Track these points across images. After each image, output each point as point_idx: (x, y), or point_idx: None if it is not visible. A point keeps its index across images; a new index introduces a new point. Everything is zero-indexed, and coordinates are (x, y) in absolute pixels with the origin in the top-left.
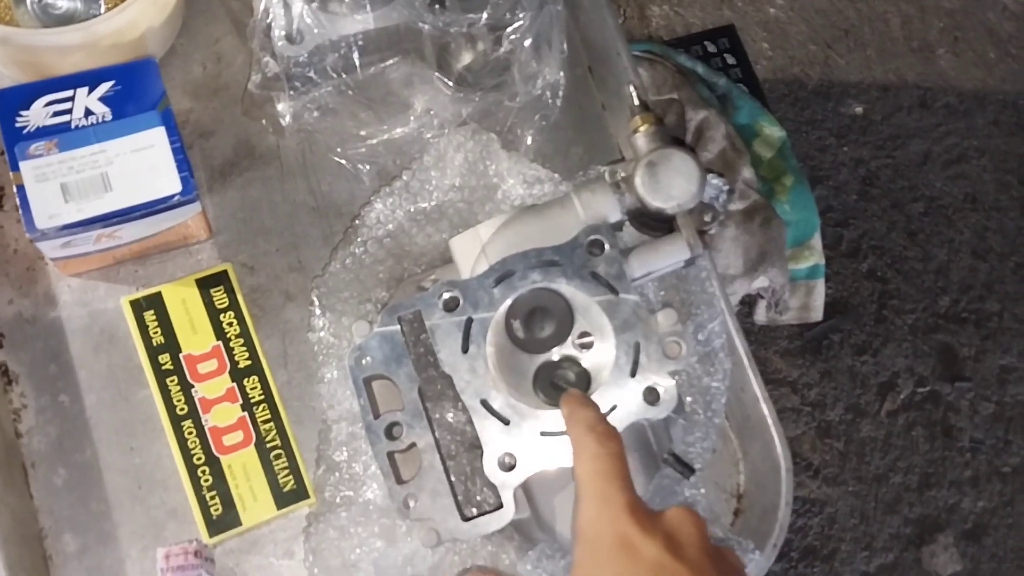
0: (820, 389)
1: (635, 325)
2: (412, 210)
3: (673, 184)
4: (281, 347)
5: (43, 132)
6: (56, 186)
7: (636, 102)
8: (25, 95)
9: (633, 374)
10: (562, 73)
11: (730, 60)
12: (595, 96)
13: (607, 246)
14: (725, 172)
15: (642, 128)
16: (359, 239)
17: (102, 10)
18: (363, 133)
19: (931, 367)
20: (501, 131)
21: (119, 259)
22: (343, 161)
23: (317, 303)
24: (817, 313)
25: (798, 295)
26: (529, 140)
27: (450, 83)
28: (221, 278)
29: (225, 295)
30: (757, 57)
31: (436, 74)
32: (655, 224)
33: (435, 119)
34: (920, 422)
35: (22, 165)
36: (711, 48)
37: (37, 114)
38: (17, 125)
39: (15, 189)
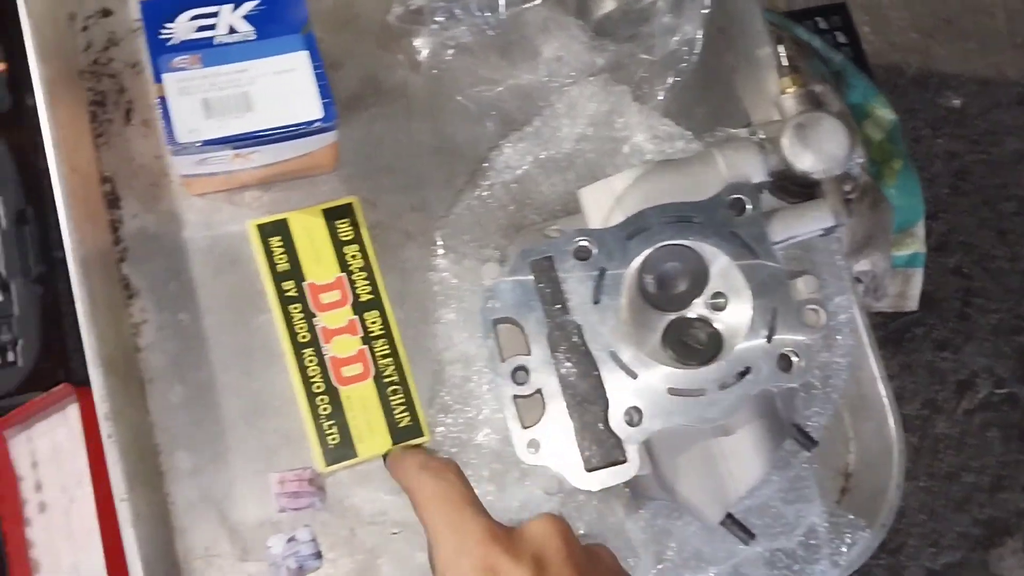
0: (899, 382)
1: (774, 290)
2: (542, 157)
3: (822, 148)
4: (399, 285)
5: (187, 46)
6: (198, 101)
7: (785, 63)
8: (171, 7)
9: (769, 339)
10: (701, 30)
11: (841, 39)
12: (724, 56)
13: (749, 206)
14: None
15: (790, 90)
16: (486, 182)
17: None
18: (492, 76)
19: (1011, 369)
20: (631, 84)
21: (244, 183)
22: (469, 104)
23: (440, 243)
24: (913, 302)
25: (896, 282)
26: (660, 96)
27: (587, 30)
28: (346, 210)
29: (350, 228)
30: (858, 33)
31: (575, 20)
32: (794, 189)
33: (565, 67)
34: (996, 423)
35: (165, 77)
36: (822, 24)
37: (182, 27)
38: (161, 37)
39: (157, 100)
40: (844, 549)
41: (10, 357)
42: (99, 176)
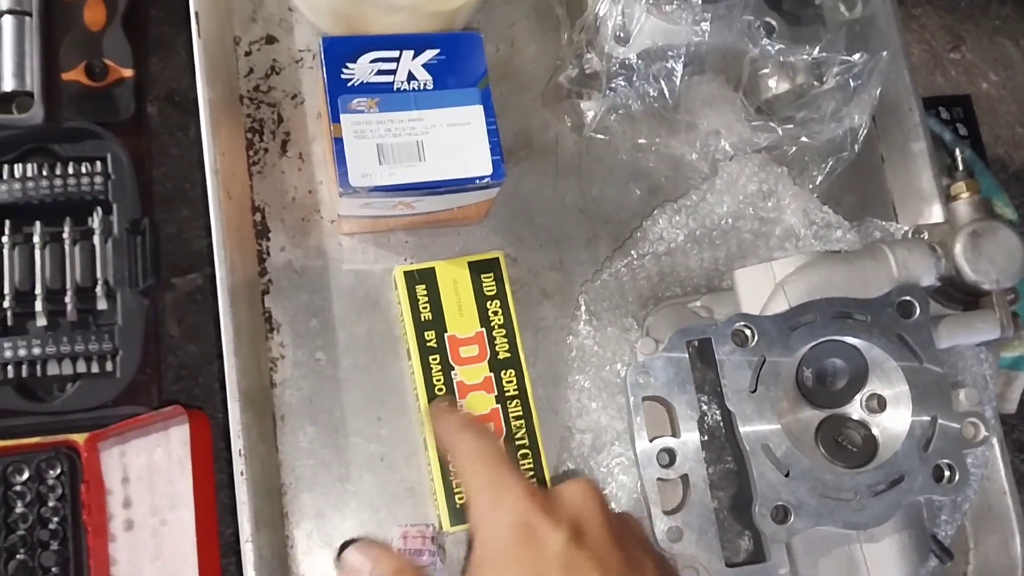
0: None
1: (935, 398)
2: (696, 232)
3: (996, 259)
4: (533, 344)
5: (366, 88)
6: (373, 145)
7: (961, 167)
8: (354, 48)
9: (926, 449)
10: (868, 119)
11: (962, 131)
12: (876, 147)
13: (919, 310)
14: None
15: (964, 195)
16: (638, 251)
17: None
18: (645, 143)
19: None
20: (788, 164)
21: (392, 226)
22: (620, 168)
23: (584, 308)
24: (1012, 405)
25: (997, 383)
26: (818, 180)
27: (751, 108)
28: (492, 265)
29: (494, 282)
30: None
31: (741, 97)
32: (958, 296)
33: (722, 141)
34: None
35: (343, 118)
36: (944, 115)
37: (363, 69)
38: (343, 76)
39: (332, 141)
40: None
41: (108, 367)
42: (251, 205)
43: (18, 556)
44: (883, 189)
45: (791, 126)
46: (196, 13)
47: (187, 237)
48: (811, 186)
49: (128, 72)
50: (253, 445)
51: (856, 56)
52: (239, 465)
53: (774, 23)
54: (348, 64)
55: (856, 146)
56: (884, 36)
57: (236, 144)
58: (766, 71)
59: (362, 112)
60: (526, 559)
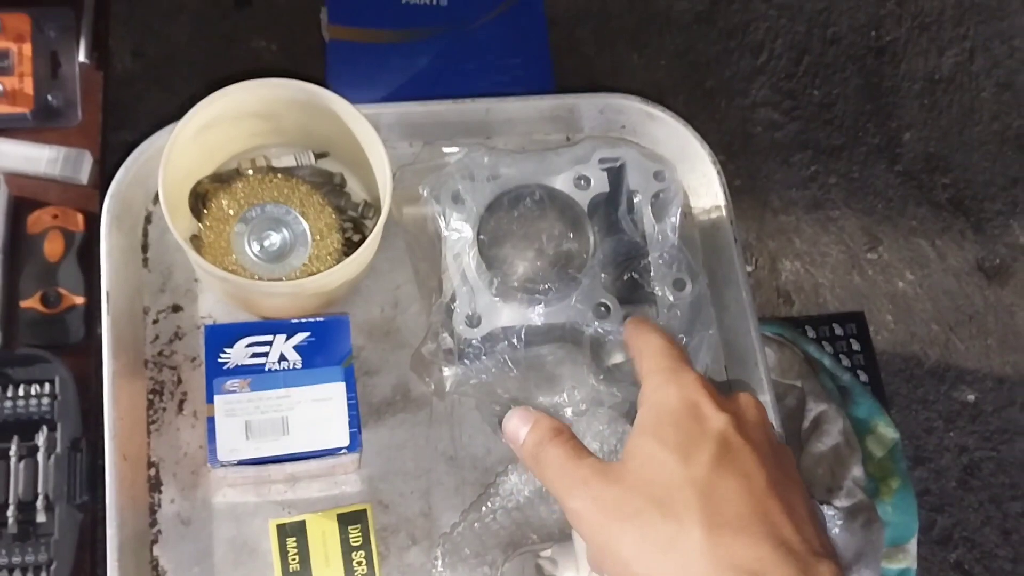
0: None
1: None
2: (543, 488)
3: None
4: None
5: (240, 370)
6: (241, 423)
7: None
8: (232, 334)
9: None
10: None
11: (855, 346)
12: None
13: None
14: (836, 467)
15: None
16: (490, 506)
17: (308, 248)
18: (509, 398)
19: None
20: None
21: (272, 479)
22: (486, 421)
23: (440, 560)
24: None
25: None
26: None
27: (599, 375)
28: (360, 516)
29: (360, 534)
30: (879, 328)
31: (586, 365)
32: None
33: (577, 395)
34: None
35: (216, 399)
36: (838, 331)
37: (238, 353)
38: (219, 360)
39: (206, 420)
40: None
41: None
42: (147, 461)
43: None
44: None
45: (635, 387)
46: (107, 292)
47: None
48: None
49: (80, 299)
50: None
51: (680, 337)
52: None
53: (608, 303)
54: (226, 349)
55: None
56: (709, 313)
57: (137, 408)
58: (608, 345)
59: (235, 392)
60: (689, 429)
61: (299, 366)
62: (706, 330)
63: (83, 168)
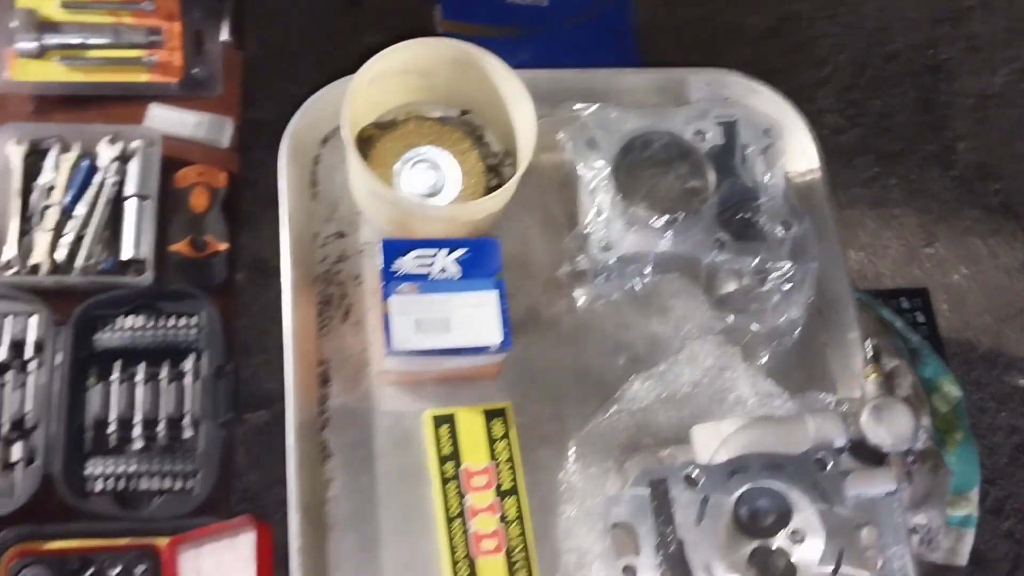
0: None
1: (843, 534)
2: (663, 395)
3: (892, 429)
4: (531, 478)
5: (409, 277)
6: (412, 320)
7: (871, 354)
8: (404, 248)
9: (834, 573)
10: (804, 314)
11: (920, 319)
12: (819, 335)
13: (830, 465)
14: None
15: (872, 376)
16: (615, 408)
17: (459, 186)
18: (630, 323)
19: None
20: (741, 346)
21: (424, 379)
22: (608, 342)
23: (573, 451)
24: (963, 559)
25: (949, 538)
26: (764, 359)
27: (711, 301)
28: (501, 413)
29: (502, 427)
30: (935, 315)
31: (702, 292)
32: (867, 456)
33: (689, 324)
34: None
35: (392, 299)
36: (905, 304)
37: (408, 263)
38: (392, 268)
39: (383, 317)
40: None
41: (189, 484)
42: (317, 360)
43: None
44: (825, 368)
45: (743, 315)
46: (288, 215)
47: (259, 380)
48: (759, 363)
49: (223, 246)
50: (307, 547)
51: (788, 265)
52: (295, 560)
53: (724, 238)
54: (398, 258)
55: (795, 334)
56: (815, 249)
57: (309, 314)
58: (721, 274)
59: (405, 294)
60: None
61: (458, 276)
62: (810, 263)
63: (225, 132)
